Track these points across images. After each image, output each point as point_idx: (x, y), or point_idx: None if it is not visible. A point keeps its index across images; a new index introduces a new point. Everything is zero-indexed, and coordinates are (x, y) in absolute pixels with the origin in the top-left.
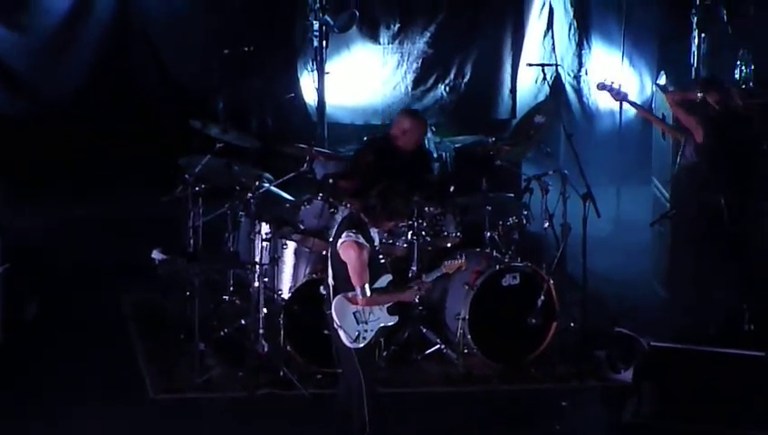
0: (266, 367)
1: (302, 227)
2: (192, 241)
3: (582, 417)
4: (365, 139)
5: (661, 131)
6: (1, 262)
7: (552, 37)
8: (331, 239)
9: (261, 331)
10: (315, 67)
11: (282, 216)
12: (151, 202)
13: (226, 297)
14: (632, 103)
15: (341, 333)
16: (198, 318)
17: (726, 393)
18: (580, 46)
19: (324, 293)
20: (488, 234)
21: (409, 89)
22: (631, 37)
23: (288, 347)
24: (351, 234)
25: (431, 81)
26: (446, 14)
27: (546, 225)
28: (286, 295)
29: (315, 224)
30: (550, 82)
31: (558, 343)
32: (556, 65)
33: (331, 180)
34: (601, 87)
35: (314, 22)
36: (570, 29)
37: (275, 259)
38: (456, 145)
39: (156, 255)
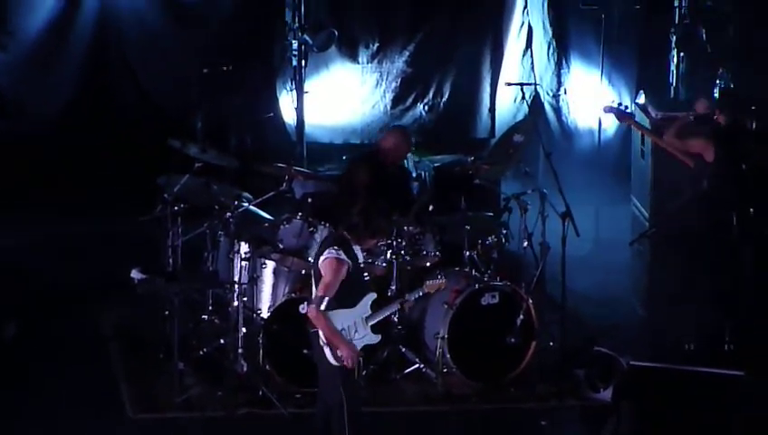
0: (245, 386)
1: (281, 247)
2: (171, 260)
3: None
4: (346, 158)
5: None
6: None
7: (531, 56)
8: (311, 258)
9: (240, 350)
10: (294, 86)
11: (261, 235)
12: (130, 222)
13: (206, 316)
14: (639, 125)
15: (327, 350)
16: (177, 337)
17: (706, 413)
18: (558, 65)
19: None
20: (467, 253)
21: (388, 108)
22: (610, 56)
23: (267, 366)
24: (333, 250)
25: (410, 100)
26: (425, 34)
27: (525, 244)
28: (265, 315)
29: (294, 243)
30: (529, 102)
31: (537, 362)
32: (535, 84)
33: (310, 200)
34: (608, 110)
35: (293, 41)
36: (549, 48)
37: (254, 278)
38: (435, 164)
39: (135, 274)
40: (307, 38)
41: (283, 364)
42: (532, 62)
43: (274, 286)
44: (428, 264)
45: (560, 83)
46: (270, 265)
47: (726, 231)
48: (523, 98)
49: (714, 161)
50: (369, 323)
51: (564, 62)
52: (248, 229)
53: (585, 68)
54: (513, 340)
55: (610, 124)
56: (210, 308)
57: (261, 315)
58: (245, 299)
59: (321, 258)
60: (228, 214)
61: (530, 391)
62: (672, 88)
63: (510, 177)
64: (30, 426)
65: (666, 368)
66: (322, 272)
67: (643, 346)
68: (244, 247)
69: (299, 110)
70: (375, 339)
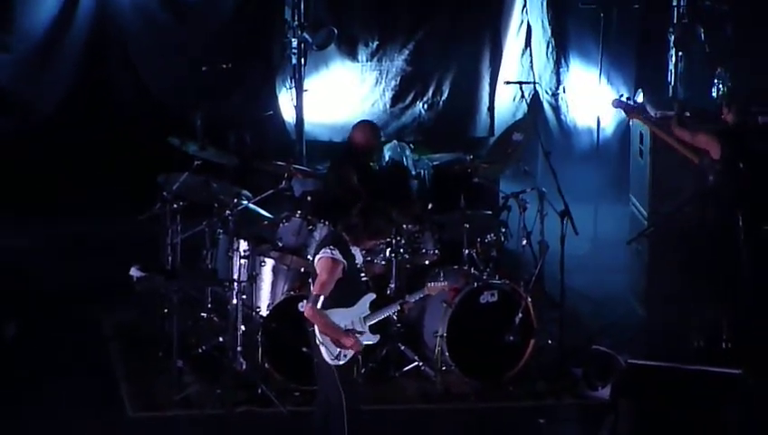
0: (244, 384)
1: (280, 245)
2: (170, 258)
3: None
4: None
5: (676, 150)
6: None
7: (530, 55)
8: (310, 257)
9: (239, 348)
10: (294, 84)
11: (260, 233)
12: (130, 220)
13: (204, 314)
14: (647, 119)
15: (323, 349)
16: (176, 335)
17: (704, 411)
18: (557, 64)
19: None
20: (466, 251)
21: (388, 106)
22: (609, 55)
23: (266, 364)
24: (328, 250)
25: (409, 98)
26: (425, 32)
27: (524, 242)
28: (264, 313)
29: (293, 241)
30: (528, 100)
31: (536, 360)
32: (534, 83)
33: (309, 198)
34: (617, 104)
35: (293, 39)
36: (547, 47)
37: (253, 276)
38: (435, 163)
39: (134, 272)
40: (307, 36)
41: (282, 362)
42: (531, 61)
43: (273, 284)
44: (427, 262)
45: (559, 82)
46: (269, 263)
47: (727, 229)
48: (522, 97)
49: (720, 159)
50: (368, 323)
51: (563, 60)
52: (247, 227)
53: (584, 67)
54: (511, 338)
55: (609, 123)
56: (209, 306)
57: (260, 313)
58: (244, 297)
59: (317, 257)
60: (227, 212)
61: (528, 389)
62: (670, 87)
63: (509, 175)
64: (30, 425)
65: (664, 366)
66: (318, 270)
67: (641, 344)
68: (244, 245)
69: (298, 108)
70: (373, 339)
